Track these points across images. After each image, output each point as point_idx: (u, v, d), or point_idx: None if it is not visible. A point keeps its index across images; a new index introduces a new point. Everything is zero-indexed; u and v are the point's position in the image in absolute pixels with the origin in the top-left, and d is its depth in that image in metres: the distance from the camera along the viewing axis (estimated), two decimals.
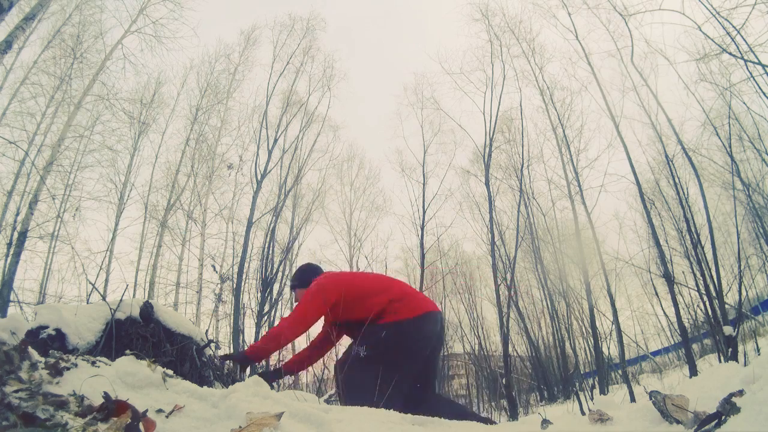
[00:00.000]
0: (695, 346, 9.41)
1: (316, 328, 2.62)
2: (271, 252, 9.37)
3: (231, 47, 11.38)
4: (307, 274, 2.52)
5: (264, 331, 8.79)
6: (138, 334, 1.88)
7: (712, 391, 1.07)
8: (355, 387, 2.08)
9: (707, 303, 6.99)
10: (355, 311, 2.25)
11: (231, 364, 2.34)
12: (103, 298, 2.51)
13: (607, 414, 1.15)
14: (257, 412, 1.05)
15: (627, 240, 12.53)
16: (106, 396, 0.96)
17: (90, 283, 2.14)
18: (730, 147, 7.50)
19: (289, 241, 10.49)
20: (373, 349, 2.17)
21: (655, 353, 12.38)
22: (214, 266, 9.85)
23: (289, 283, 2.63)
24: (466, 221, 14.10)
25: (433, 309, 2.34)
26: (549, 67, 10.51)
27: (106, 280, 8.67)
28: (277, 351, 2.27)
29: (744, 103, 7.85)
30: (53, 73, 8.33)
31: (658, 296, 11.82)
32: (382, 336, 2.16)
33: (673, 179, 7.66)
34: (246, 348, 2.28)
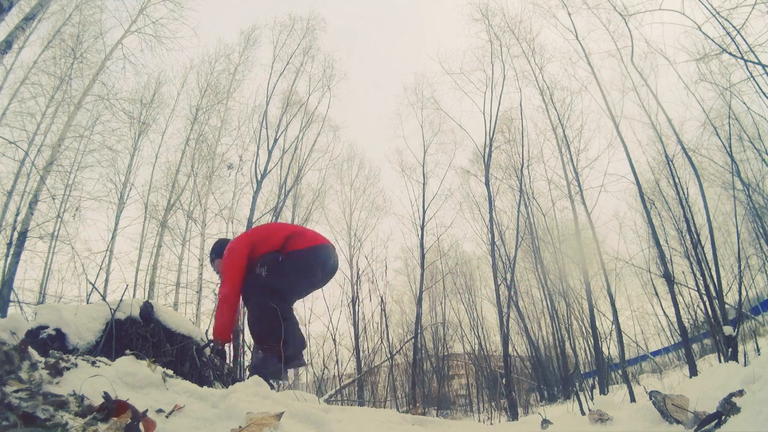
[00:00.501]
0: (695, 346, 9.41)
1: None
2: None
3: (231, 47, 11.38)
4: (221, 246, 2.81)
5: None
6: (138, 334, 1.88)
7: (712, 391, 1.07)
8: (257, 305, 2.43)
9: (707, 303, 6.99)
10: (260, 248, 2.59)
11: (228, 358, 2.44)
12: (103, 298, 2.52)
13: (607, 414, 1.15)
14: (257, 412, 1.05)
15: (627, 240, 12.54)
16: (106, 396, 0.96)
17: (90, 283, 2.14)
18: (730, 147, 7.50)
19: None
20: (270, 271, 2.50)
21: (655, 353, 12.39)
22: None
23: (208, 259, 3.19)
24: (466, 221, 14.11)
25: (325, 242, 2.72)
26: (549, 67, 10.52)
27: (106, 280, 8.66)
28: (233, 315, 2.53)
29: (744, 103, 7.85)
30: (53, 73, 8.33)
31: (658, 296, 11.82)
32: (279, 260, 2.52)
33: (673, 179, 7.66)
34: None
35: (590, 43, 10.75)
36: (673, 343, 12.01)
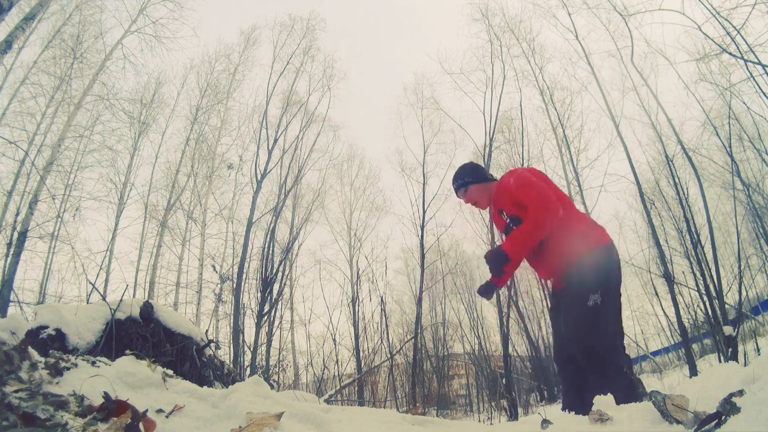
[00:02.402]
0: (695, 346, 9.41)
1: None
2: (271, 252, 9.38)
3: (231, 47, 11.39)
4: (480, 171, 2.39)
5: (264, 332, 8.78)
6: (138, 334, 1.88)
7: (712, 391, 1.07)
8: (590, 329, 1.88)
9: (707, 303, 6.99)
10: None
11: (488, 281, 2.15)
12: (103, 298, 2.51)
13: (607, 414, 1.14)
14: (257, 412, 1.05)
15: (627, 240, 12.53)
16: (106, 396, 0.96)
17: (90, 283, 2.14)
18: (730, 147, 7.50)
19: (289, 241, 10.49)
20: (605, 287, 1.92)
21: (655, 353, 12.39)
22: (214, 266, 9.86)
23: (454, 185, 2.38)
24: (466, 221, 14.09)
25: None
26: (549, 67, 10.53)
27: (106, 280, 8.67)
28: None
29: (744, 103, 7.84)
30: (53, 73, 8.33)
31: (658, 296, 11.81)
32: (598, 264, 1.94)
33: (673, 179, 7.66)
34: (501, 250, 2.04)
35: (590, 43, 10.77)
36: (673, 343, 12.01)
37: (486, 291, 2.23)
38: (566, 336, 2.00)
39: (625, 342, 2.08)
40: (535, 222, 1.96)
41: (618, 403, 1.33)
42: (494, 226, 2.44)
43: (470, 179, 2.36)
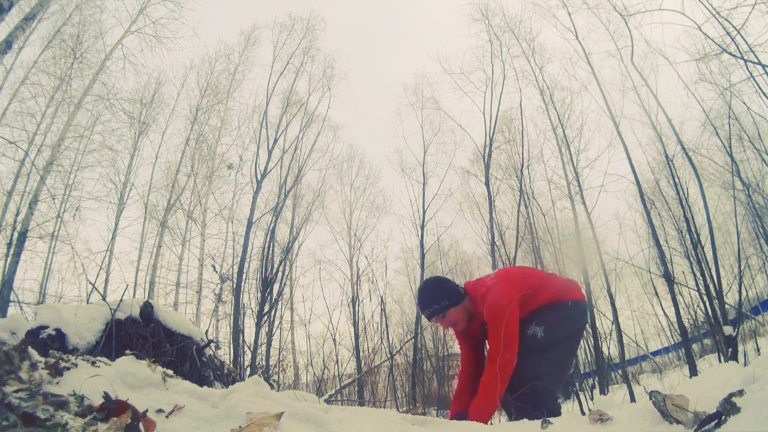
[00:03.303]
0: (695, 346, 9.41)
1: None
2: (271, 252, 9.37)
3: (231, 47, 11.40)
4: (455, 288, 2.18)
5: (264, 332, 8.78)
6: (138, 334, 1.88)
7: (712, 391, 1.07)
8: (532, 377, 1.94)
9: (707, 303, 6.99)
10: (529, 305, 2.09)
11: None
12: (103, 298, 2.51)
13: (607, 414, 1.14)
14: (257, 412, 1.05)
15: (627, 240, 12.52)
16: (106, 396, 0.96)
17: (90, 283, 2.14)
18: (730, 147, 7.50)
19: (289, 241, 10.49)
20: (553, 328, 2.03)
21: (655, 353, 12.39)
22: (214, 266, 9.86)
23: (426, 312, 2.13)
24: (466, 221, 14.03)
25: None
26: (549, 67, 10.50)
27: (106, 280, 8.67)
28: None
29: (744, 103, 7.85)
30: (53, 73, 8.33)
31: (658, 296, 11.81)
32: (565, 312, 2.06)
33: (673, 179, 7.66)
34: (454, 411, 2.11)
35: (590, 43, 10.72)
36: (673, 343, 12.01)
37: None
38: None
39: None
40: (496, 372, 1.92)
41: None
42: (462, 333, 2.38)
43: (447, 302, 2.11)
